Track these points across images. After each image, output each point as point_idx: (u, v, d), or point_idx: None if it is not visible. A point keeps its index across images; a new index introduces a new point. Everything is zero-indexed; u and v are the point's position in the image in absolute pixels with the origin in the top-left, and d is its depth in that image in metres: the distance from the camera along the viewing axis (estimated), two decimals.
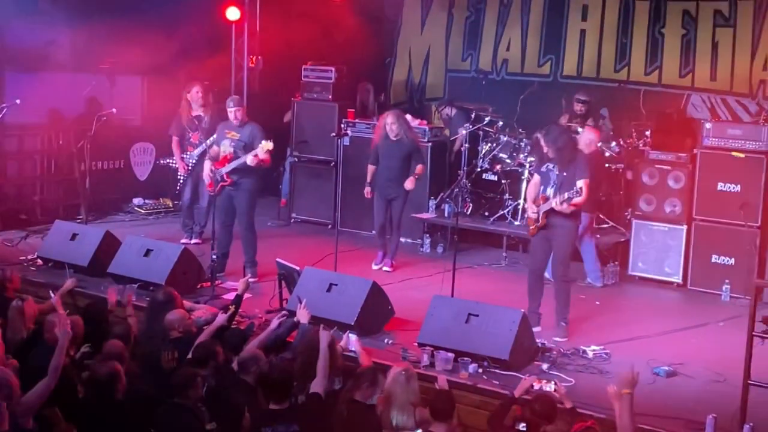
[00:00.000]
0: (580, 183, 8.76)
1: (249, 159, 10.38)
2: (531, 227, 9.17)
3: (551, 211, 8.93)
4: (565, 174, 8.91)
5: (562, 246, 9.06)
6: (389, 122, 11.04)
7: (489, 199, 12.48)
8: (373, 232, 11.76)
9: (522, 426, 6.30)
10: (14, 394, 6.20)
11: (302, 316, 8.11)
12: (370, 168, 11.22)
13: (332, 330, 7.47)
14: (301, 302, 8.29)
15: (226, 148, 10.63)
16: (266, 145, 10.38)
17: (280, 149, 13.98)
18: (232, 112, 10.64)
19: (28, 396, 6.37)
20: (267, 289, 9.79)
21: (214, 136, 11.03)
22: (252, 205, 10.80)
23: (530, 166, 11.80)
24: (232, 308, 8.34)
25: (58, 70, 14.32)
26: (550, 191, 8.96)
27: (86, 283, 9.87)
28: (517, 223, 11.90)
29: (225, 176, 10.54)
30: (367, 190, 11.24)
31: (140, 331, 8.15)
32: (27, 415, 6.31)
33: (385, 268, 11.18)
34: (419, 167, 11.04)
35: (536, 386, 7.11)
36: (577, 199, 8.77)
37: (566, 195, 8.75)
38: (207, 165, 10.78)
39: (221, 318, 8.13)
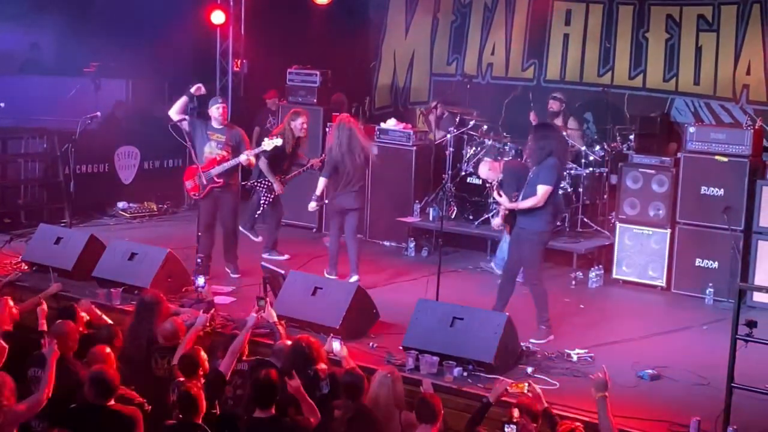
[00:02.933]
0: (540, 188, 8.84)
1: (243, 159, 10.46)
2: (506, 225, 9.27)
3: (514, 213, 9.06)
4: (532, 176, 9.02)
5: (525, 250, 9.09)
6: None
7: (473, 202, 12.48)
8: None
9: (509, 428, 6.32)
10: (6, 401, 6.19)
11: (268, 316, 8.15)
12: None
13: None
14: (265, 304, 8.31)
15: (213, 150, 10.55)
16: (273, 143, 10.68)
17: None
18: (221, 109, 10.59)
19: (17, 406, 6.35)
20: (252, 293, 9.77)
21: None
22: (238, 205, 10.89)
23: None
24: (212, 311, 8.36)
25: (43, 73, 14.33)
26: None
27: (71, 287, 9.83)
28: (496, 220, 11.86)
29: (216, 178, 10.47)
30: None
31: (125, 333, 8.12)
32: (12, 425, 6.29)
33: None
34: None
35: (510, 389, 7.14)
36: (525, 203, 8.88)
37: (521, 195, 8.96)
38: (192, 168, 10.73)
39: (202, 319, 8.12)
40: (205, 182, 10.52)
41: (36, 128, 13.50)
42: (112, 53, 13.88)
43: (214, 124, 10.62)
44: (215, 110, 10.58)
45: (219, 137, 10.56)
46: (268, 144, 10.65)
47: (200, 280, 9.84)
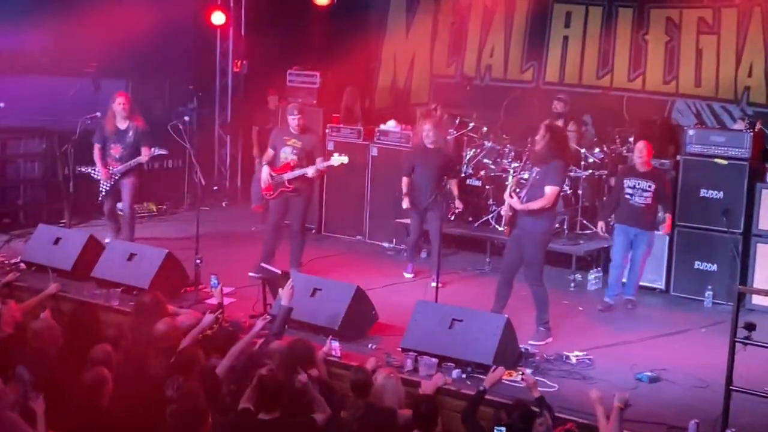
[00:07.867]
0: (549, 189, 8.84)
1: (311, 172, 10.64)
2: (506, 227, 9.25)
3: (518, 213, 9.03)
4: (537, 177, 8.99)
5: (528, 249, 9.09)
6: (426, 129, 11.07)
7: (473, 204, 12.49)
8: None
9: (499, 430, 6.34)
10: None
11: (284, 296, 8.21)
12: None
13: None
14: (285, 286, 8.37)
15: (287, 155, 10.75)
16: (340, 159, 10.76)
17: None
18: (295, 119, 10.74)
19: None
20: (251, 294, 9.78)
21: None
22: (308, 209, 11.16)
23: (514, 172, 11.83)
24: (220, 315, 8.37)
25: (43, 73, 14.31)
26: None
27: (69, 288, 9.83)
28: (500, 228, 11.90)
29: (287, 183, 10.69)
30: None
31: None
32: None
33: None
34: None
35: (505, 378, 7.14)
36: (533, 204, 8.86)
37: (525, 197, 8.94)
38: (265, 170, 10.86)
39: (208, 319, 8.11)
40: (277, 184, 10.72)
41: (35, 128, 13.48)
42: (112, 53, 13.87)
43: (290, 129, 10.81)
44: (292, 120, 10.88)
45: (295, 143, 10.75)
46: (336, 160, 10.77)
47: (214, 280, 9.81)
